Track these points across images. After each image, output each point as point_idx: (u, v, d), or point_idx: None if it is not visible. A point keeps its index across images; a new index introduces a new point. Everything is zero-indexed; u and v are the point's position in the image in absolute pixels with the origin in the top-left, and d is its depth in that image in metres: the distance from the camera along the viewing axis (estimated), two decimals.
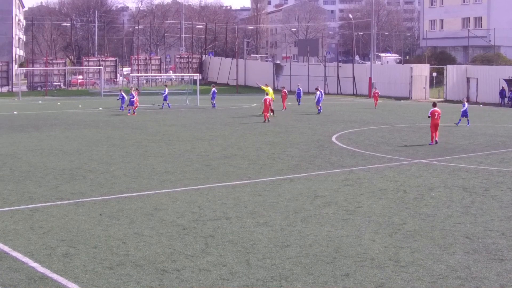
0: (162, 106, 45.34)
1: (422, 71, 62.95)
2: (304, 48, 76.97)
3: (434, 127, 26.39)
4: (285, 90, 46.58)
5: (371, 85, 63.02)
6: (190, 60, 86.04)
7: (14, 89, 68.86)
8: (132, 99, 40.10)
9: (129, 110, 40.25)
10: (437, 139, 26.37)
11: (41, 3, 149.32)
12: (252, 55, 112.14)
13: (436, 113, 26.48)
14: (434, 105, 27.31)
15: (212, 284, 9.54)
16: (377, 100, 48.68)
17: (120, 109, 42.70)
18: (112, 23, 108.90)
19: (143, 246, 11.44)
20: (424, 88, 61.93)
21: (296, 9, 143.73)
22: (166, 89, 46.14)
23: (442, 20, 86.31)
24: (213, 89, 47.08)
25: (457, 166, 20.68)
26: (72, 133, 29.57)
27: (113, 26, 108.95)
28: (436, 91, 63.20)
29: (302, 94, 51.37)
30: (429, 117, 26.74)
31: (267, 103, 35.94)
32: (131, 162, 20.98)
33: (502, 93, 53.17)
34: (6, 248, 11.24)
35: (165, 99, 45.24)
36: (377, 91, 49.93)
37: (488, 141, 27.35)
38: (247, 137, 28.47)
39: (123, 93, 43.53)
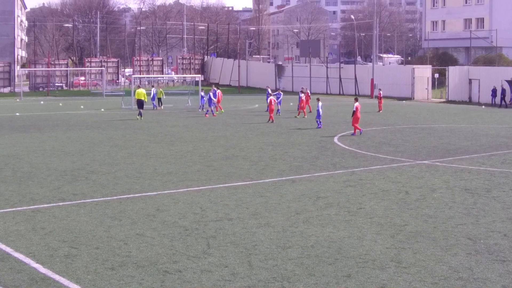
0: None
1: (424, 72, 62.97)
2: (306, 49, 77.04)
3: (357, 120, 29.54)
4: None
5: (373, 86, 63.03)
6: (192, 61, 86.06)
7: (16, 90, 69.00)
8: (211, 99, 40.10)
9: (207, 111, 40.16)
10: (360, 129, 29.68)
11: (43, 4, 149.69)
12: (254, 56, 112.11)
13: (359, 107, 29.83)
14: (356, 100, 30.35)
15: (214, 285, 9.54)
16: (381, 102, 45.70)
17: (199, 109, 43.45)
18: (114, 24, 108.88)
19: (145, 247, 11.44)
20: (426, 89, 61.95)
21: (298, 10, 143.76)
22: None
23: (444, 21, 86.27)
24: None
25: (459, 167, 20.66)
26: (74, 134, 29.59)
27: (115, 27, 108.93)
28: (438, 92, 63.23)
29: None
30: (354, 111, 29.43)
31: (272, 103, 36.49)
32: (133, 163, 20.98)
33: (493, 93, 53.79)
34: (8, 249, 11.25)
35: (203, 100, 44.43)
36: (380, 92, 46.82)
37: (490, 142, 27.33)
38: (249, 138, 28.48)
39: (202, 94, 43.98)
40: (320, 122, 32.89)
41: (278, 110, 40.43)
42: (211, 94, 40.04)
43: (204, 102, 43.12)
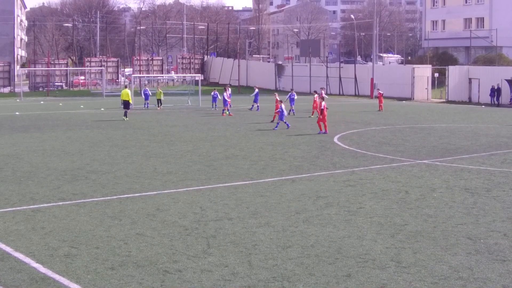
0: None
1: (424, 71, 62.98)
2: (306, 48, 77.02)
3: (324, 118, 29.76)
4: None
5: (373, 85, 63.04)
6: (192, 60, 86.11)
7: (16, 89, 69.08)
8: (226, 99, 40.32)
9: (223, 110, 40.39)
10: (326, 130, 29.82)
11: (43, 3, 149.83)
12: (254, 55, 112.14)
13: (326, 106, 30.42)
14: (323, 99, 31.29)
15: (214, 285, 9.53)
16: (382, 102, 45.83)
17: (212, 108, 44.08)
18: (114, 24, 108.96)
19: (145, 246, 11.44)
20: (426, 88, 61.95)
21: (298, 9, 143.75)
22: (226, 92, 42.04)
23: (444, 21, 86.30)
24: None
25: (459, 166, 20.66)
26: (74, 134, 29.59)
27: (115, 27, 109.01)
28: (438, 91, 63.23)
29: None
30: (322, 110, 29.72)
31: (278, 104, 36.61)
32: (133, 163, 20.98)
33: (492, 93, 53.95)
34: (8, 249, 11.25)
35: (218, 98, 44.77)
36: (379, 91, 47.22)
37: (490, 142, 27.32)
38: (249, 137, 28.47)
39: (217, 93, 44.22)
40: (278, 123, 32.11)
41: (292, 110, 40.77)
42: (225, 94, 40.59)
43: (216, 101, 43.82)
